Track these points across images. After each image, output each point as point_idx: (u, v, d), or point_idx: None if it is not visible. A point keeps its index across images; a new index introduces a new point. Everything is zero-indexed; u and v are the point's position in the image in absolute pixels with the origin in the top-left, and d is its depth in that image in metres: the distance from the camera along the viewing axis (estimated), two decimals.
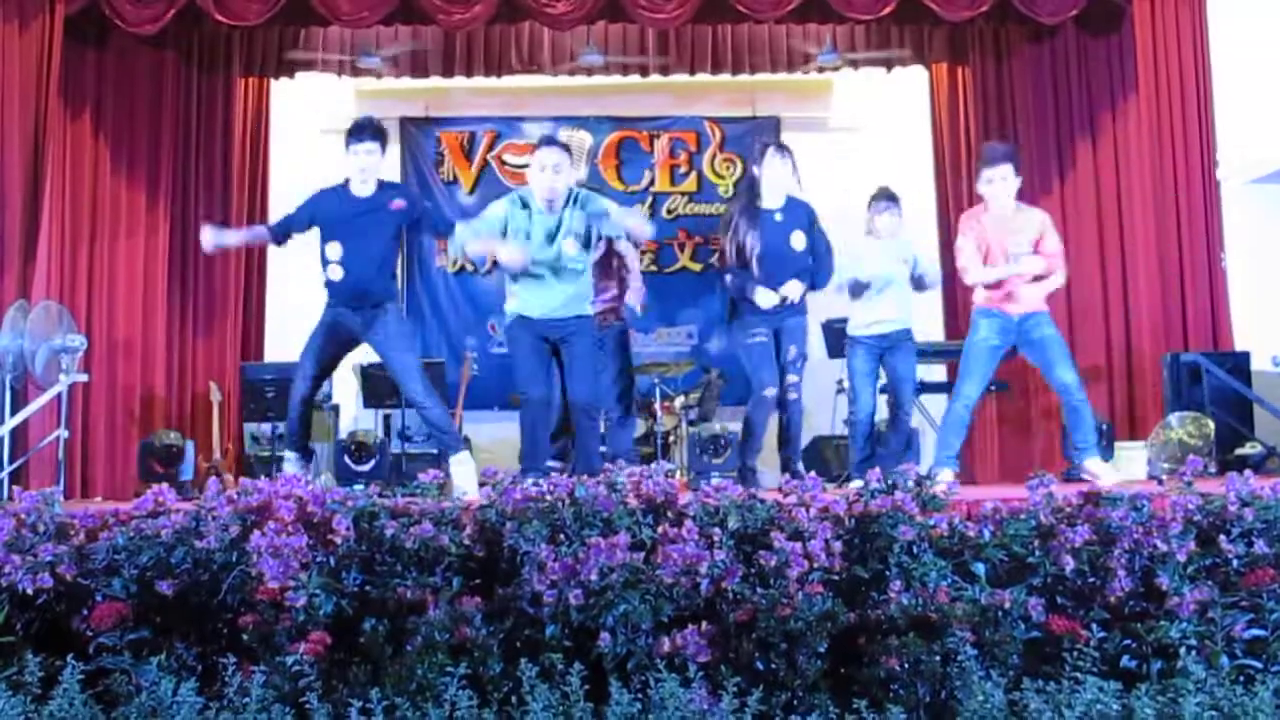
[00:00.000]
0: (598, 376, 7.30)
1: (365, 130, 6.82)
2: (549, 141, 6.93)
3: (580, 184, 12.36)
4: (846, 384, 8.02)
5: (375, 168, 6.84)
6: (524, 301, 6.83)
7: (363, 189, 6.83)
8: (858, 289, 7.58)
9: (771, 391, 7.22)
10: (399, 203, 6.88)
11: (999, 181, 7.15)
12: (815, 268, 7.35)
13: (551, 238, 6.73)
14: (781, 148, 7.38)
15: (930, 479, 4.71)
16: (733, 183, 12.41)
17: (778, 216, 7.25)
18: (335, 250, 6.78)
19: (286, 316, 11.14)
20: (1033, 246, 7.13)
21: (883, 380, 7.79)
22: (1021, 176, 7.28)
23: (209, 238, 7.09)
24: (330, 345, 6.91)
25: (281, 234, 7.13)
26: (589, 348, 6.99)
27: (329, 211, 6.87)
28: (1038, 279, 7.13)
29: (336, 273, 6.78)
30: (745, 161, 12.43)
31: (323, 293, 6.82)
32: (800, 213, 7.35)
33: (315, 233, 6.93)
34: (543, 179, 6.69)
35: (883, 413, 8.01)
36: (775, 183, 7.27)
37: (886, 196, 7.81)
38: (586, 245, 6.90)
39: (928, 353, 9.93)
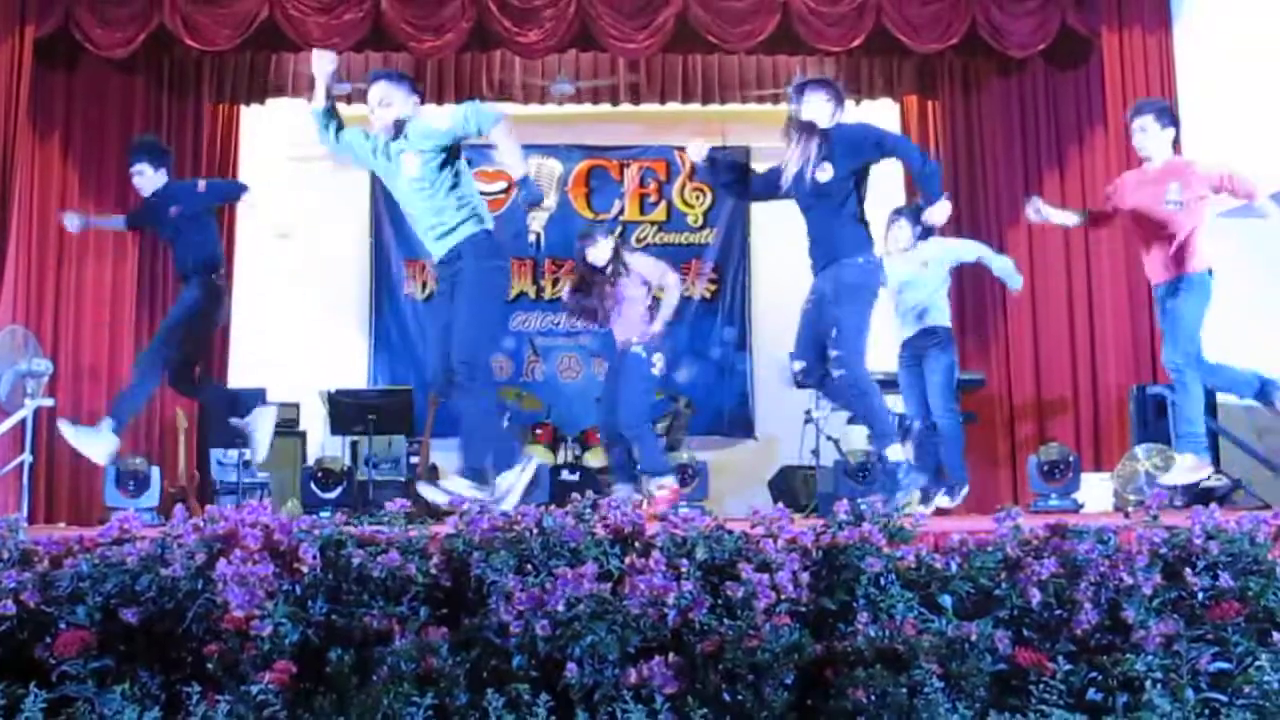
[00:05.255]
0: None
1: (135, 151, 7.93)
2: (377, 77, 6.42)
3: (550, 213, 12.48)
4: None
5: (147, 186, 7.82)
6: None
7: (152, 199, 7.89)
8: None
9: (796, 364, 6.62)
10: (175, 209, 7.74)
11: (1137, 133, 7.23)
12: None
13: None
14: (822, 84, 6.66)
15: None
16: (702, 212, 12.50)
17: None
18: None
19: (253, 343, 11.14)
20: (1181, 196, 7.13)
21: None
22: (1166, 127, 7.23)
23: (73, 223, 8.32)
24: None
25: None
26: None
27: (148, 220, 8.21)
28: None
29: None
30: (714, 191, 12.50)
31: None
32: (839, 136, 6.44)
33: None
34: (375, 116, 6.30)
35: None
36: (819, 120, 6.49)
37: (894, 211, 8.18)
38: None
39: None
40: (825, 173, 6.35)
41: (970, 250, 8.37)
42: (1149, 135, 7.18)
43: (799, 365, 6.59)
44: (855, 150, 6.38)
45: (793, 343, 8.41)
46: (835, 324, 6.36)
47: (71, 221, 8.11)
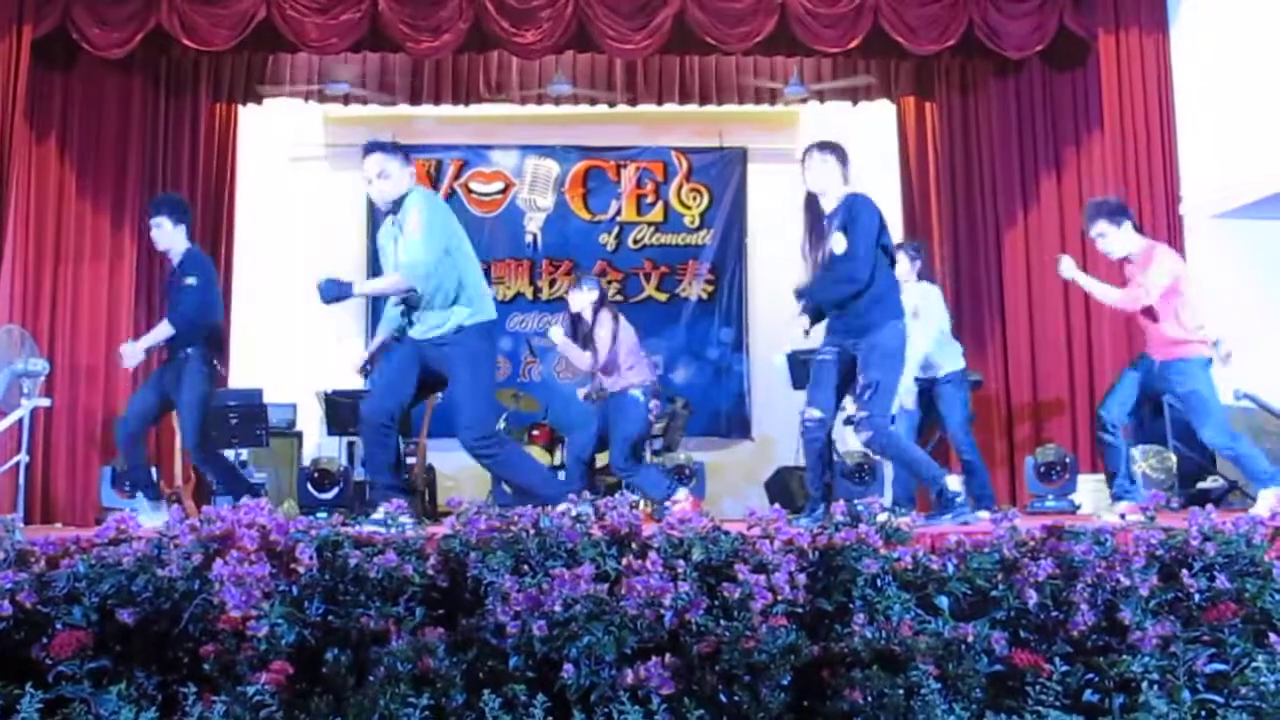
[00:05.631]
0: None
1: (157, 205, 7.61)
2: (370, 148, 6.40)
3: (547, 213, 12.48)
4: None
5: (162, 241, 7.49)
6: None
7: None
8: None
9: (813, 414, 6.53)
10: (190, 280, 7.35)
11: (1099, 240, 7.38)
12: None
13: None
14: (823, 146, 6.63)
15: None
16: (699, 213, 12.50)
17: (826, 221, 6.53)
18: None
19: (250, 344, 11.12)
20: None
21: None
22: (1121, 224, 7.34)
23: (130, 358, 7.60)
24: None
25: None
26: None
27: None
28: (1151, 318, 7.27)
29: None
30: (712, 192, 12.50)
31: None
32: (843, 211, 6.45)
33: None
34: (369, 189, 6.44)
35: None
36: (823, 185, 6.55)
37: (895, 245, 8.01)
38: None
39: None
40: (839, 244, 6.39)
41: (937, 342, 8.25)
42: (1110, 239, 7.32)
43: (817, 414, 6.54)
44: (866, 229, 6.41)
45: (791, 344, 8.41)
46: (871, 386, 6.37)
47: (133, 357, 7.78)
